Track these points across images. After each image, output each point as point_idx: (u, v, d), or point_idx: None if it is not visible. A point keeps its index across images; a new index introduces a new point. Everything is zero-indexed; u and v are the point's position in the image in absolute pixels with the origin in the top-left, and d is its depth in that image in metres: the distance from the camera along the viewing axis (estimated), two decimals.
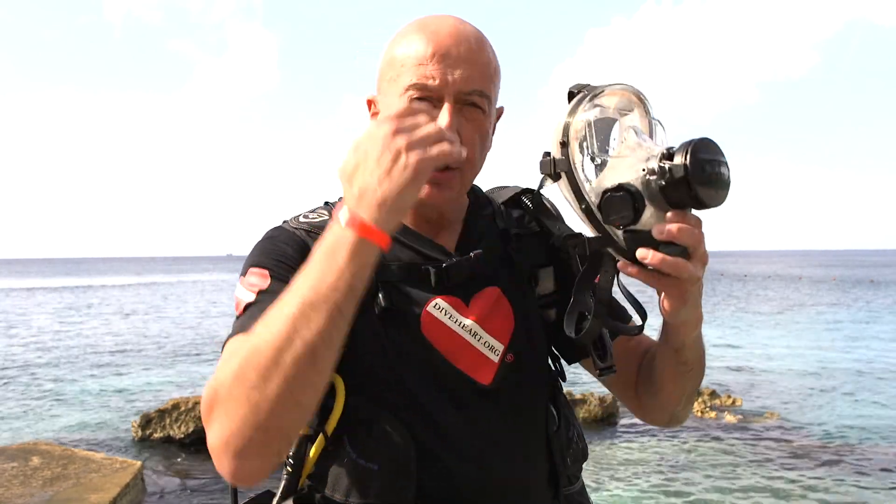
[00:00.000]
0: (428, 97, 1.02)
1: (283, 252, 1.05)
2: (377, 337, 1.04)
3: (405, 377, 1.04)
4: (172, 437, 8.18)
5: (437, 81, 1.01)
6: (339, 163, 0.86)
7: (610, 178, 0.88)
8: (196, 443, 8.09)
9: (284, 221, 1.14)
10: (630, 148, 0.89)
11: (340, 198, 1.19)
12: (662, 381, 1.10)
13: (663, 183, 0.83)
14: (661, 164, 0.83)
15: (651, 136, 0.93)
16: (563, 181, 0.92)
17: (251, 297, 1.00)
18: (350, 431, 1.03)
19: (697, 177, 0.81)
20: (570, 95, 0.96)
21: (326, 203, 1.19)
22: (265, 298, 0.96)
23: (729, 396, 10.18)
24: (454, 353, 1.07)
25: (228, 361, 0.87)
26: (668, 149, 0.84)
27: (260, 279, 1.02)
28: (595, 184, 0.90)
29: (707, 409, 9.55)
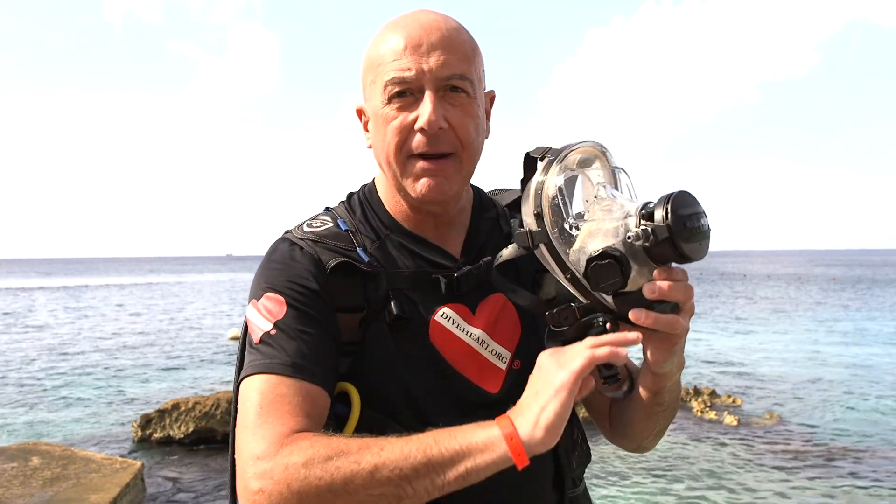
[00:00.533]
0: (408, 90, 1.01)
1: (297, 272, 1.04)
2: (387, 346, 1.04)
3: (413, 387, 1.04)
4: (172, 438, 8.17)
5: (412, 72, 1.00)
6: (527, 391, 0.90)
7: (591, 244, 0.87)
8: (196, 443, 8.09)
9: (287, 232, 1.12)
10: (605, 209, 0.89)
11: (341, 202, 1.19)
12: (636, 418, 1.10)
13: (647, 245, 0.82)
14: (644, 228, 0.82)
15: (616, 185, 0.93)
16: (544, 250, 0.91)
17: (268, 326, 0.99)
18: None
19: (681, 234, 0.81)
20: (529, 160, 0.95)
21: (327, 208, 1.18)
22: (281, 332, 0.98)
23: (729, 396, 10.16)
24: (462, 362, 1.07)
25: (295, 450, 0.86)
26: (646, 205, 0.84)
27: (276, 305, 1.00)
28: (576, 247, 0.89)
29: (707, 408, 9.55)
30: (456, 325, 1.08)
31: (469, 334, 1.08)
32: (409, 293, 1.07)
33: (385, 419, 1.02)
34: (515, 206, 1.22)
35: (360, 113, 1.13)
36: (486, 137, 1.11)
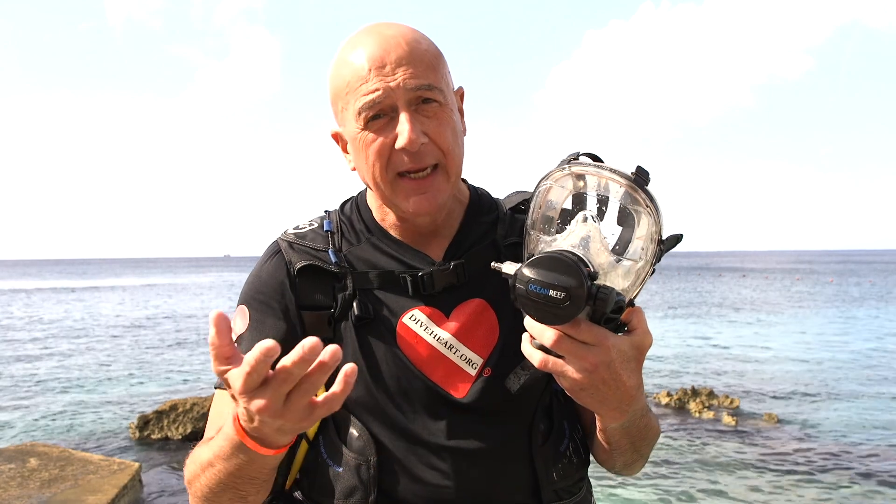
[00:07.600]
0: (381, 111, 1.01)
1: (264, 281, 1.11)
2: (352, 345, 1.06)
3: (376, 387, 1.05)
4: (170, 438, 8.17)
5: (381, 92, 0.99)
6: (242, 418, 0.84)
7: (531, 251, 0.91)
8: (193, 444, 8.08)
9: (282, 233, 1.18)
10: (551, 237, 0.92)
11: (343, 204, 1.20)
12: (596, 451, 1.12)
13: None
14: (516, 272, 0.81)
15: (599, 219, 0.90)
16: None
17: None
18: (324, 434, 1.07)
19: (515, 293, 0.79)
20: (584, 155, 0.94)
21: (326, 212, 1.20)
22: (239, 347, 1.06)
23: (727, 397, 10.16)
24: (428, 365, 1.06)
25: (195, 460, 0.99)
26: (530, 257, 0.82)
27: (242, 318, 1.09)
28: (531, 246, 0.94)
29: (705, 409, 9.55)
30: (424, 327, 1.07)
31: (437, 337, 1.06)
32: (379, 294, 1.08)
33: (348, 414, 1.06)
34: (521, 210, 1.19)
35: (336, 137, 1.13)
36: (465, 135, 1.11)
